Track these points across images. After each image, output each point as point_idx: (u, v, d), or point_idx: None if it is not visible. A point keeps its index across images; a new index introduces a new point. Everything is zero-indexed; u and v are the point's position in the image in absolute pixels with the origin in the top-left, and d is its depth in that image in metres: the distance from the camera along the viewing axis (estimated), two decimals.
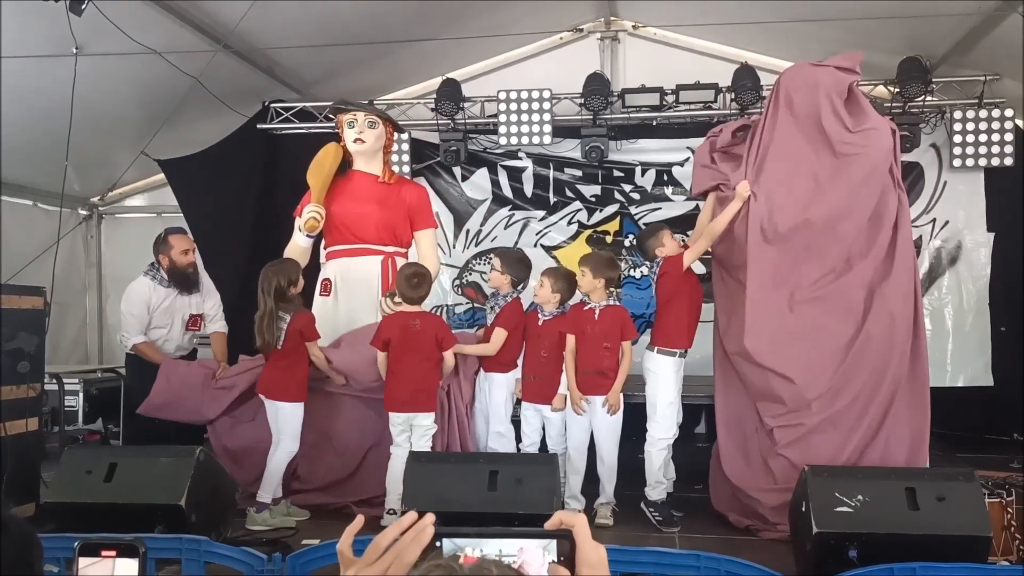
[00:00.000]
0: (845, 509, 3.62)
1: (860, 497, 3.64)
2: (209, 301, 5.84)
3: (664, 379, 4.92)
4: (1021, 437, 6.81)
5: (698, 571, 3.27)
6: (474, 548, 1.15)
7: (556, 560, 1.14)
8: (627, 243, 7.64)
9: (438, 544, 1.15)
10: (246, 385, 5.14)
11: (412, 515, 1.18)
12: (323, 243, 5.61)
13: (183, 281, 5.65)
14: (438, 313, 7.15)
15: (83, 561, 1.95)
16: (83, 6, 4.89)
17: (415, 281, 4.82)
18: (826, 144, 4.61)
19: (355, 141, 5.45)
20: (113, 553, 1.94)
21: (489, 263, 5.26)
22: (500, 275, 5.14)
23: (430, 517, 1.16)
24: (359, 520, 1.30)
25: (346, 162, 5.58)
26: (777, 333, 4.60)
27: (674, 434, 4.96)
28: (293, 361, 4.84)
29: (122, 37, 5.35)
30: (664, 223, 5.32)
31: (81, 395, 6.50)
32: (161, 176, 7.58)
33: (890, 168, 4.64)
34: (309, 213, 5.35)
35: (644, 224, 7.54)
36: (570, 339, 4.90)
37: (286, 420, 4.82)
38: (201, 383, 5.21)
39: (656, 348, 4.97)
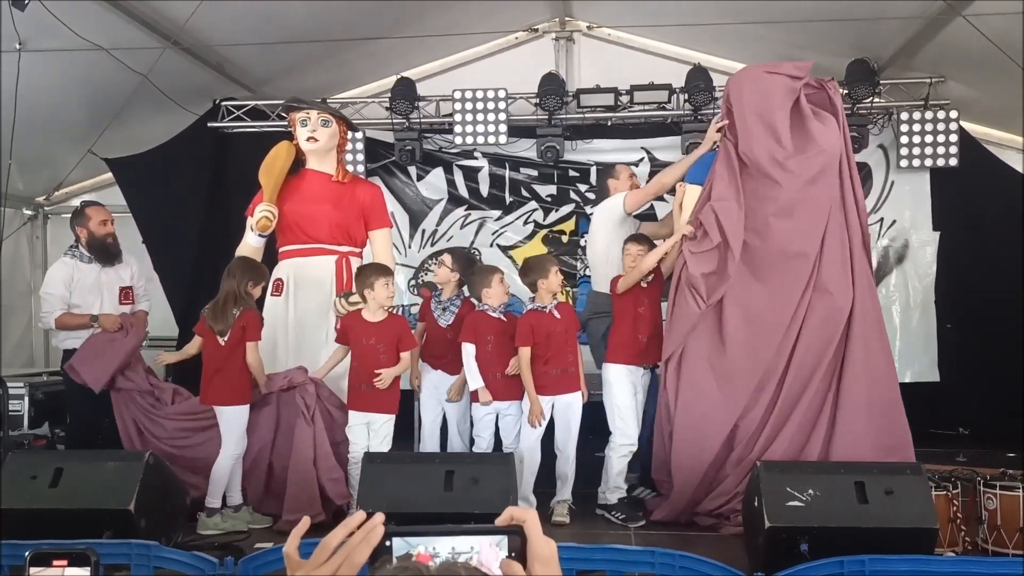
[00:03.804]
0: (796, 503, 3.68)
1: (811, 491, 3.70)
2: (131, 270, 5.71)
3: (617, 386, 4.93)
4: (966, 431, 6.98)
5: (652, 567, 3.30)
6: (426, 547, 1.14)
7: (508, 556, 1.14)
8: (583, 242, 7.67)
9: (388, 544, 1.13)
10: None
11: (360, 515, 1.17)
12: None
13: (103, 252, 5.51)
14: (401, 315, 7.07)
15: (34, 570, 1.91)
16: (25, 1, 4.77)
17: None
18: (779, 149, 4.69)
19: (308, 140, 5.40)
20: (64, 562, 1.90)
21: (439, 260, 5.29)
22: (450, 271, 5.16)
23: (379, 517, 1.14)
24: (305, 522, 1.27)
25: (299, 161, 5.52)
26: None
27: (634, 443, 4.95)
28: (231, 361, 4.76)
29: (67, 33, 5.23)
30: (642, 236, 5.27)
31: (26, 399, 6.32)
32: (109, 175, 7.43)
33: (841, 160, 4.74)
34: (261, 212, 5.29)
35: None
36: (524, 351, 4.86)
37: (227, 424, 4.77)
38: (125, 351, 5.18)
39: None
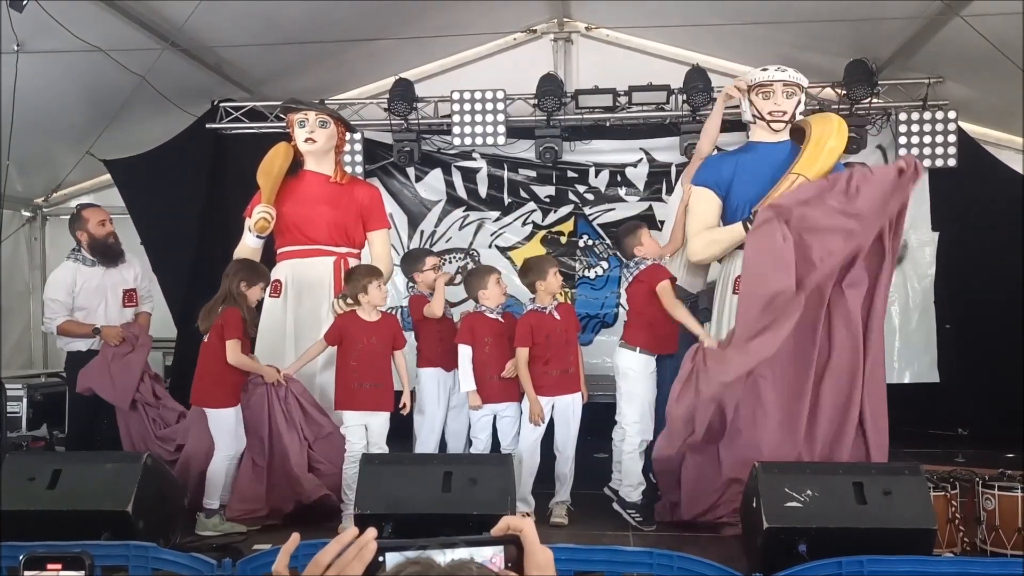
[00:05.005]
0: (795, 504, 3.67)
1: (809, 492, 3.69)
2: (135, 271, 5.76)
3: (642, 377, 4.83)
4: (965, 432, 6.98)
5: (651, 568, 3.30)
6: None
7: (505, 566, 1.14)
8: (581, 244, 7.67)
9: (381, 559, 1.12)
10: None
11: (353, 530, 1.16)
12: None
13: (106, 253, 5.56)
14: (393, 314, 7.07)
15: (28, 574, 1.90)
16: (24, 2, 4.77)
17: None
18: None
19: (306, 141, 5.40)
20: (59, 566, 1.90)
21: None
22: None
23: (372, 532, 1.13)
24: (294, 539, 1.26)
25: (297, 162, 5.52)
26: None
27: (650, 437, 4.83)
28: (215, 362, 4.72)
29: (65, 34, 5.23)
30: (641, 221, 5.18)
31: (25, 400, 6.32)
32: (107, 177, 7.42)
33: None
34: (259, 214, 5.28)
35: (599, 225, 7.60)
36: (522, 352, 4.84)
37: (216, 426, 4.74)
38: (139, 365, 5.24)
39: (638, 348, 4.85)
